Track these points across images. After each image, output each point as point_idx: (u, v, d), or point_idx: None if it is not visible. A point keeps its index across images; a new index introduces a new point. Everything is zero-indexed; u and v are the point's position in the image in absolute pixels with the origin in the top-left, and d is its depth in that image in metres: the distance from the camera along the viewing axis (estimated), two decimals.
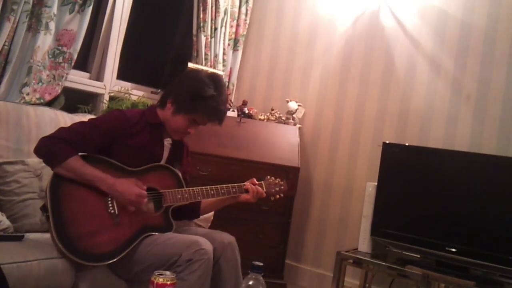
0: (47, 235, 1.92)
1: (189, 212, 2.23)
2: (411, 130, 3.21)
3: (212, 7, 3.54)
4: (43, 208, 1.91)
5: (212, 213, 2.53)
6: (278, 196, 2.28)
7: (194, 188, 2.09)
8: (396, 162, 2.85)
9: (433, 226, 2.66)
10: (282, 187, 2.28)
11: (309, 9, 3.76)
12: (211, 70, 3.43)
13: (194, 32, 3.57)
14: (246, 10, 3.87)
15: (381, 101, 3.36)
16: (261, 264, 1.48)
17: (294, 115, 3.54)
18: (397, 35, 3.33)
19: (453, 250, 2.53)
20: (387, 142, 2.92)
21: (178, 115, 2.09)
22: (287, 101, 3.57)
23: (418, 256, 2.78)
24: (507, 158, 2.62)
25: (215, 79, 2.14)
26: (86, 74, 3.16)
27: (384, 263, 2.65)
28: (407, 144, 2.94)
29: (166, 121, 2.13)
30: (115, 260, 1.82)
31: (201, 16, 3.51)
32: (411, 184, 2.80)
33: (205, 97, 2.05)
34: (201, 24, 3.51)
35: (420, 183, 2.76)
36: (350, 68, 3.53)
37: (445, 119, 3.10)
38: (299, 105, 3.57)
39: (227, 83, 3.81)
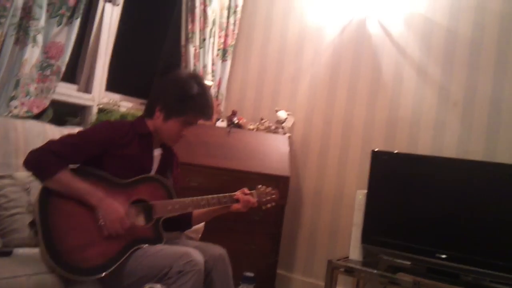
0: (36, 250, 1.89)
1: (180, 223, 2.22)
2: (400, 137, 3.24)
3: (200, 18, 3.56)
4: (31, 224, 1.89)
5: (202, 224, 2.52)
6: (269, 205, 2.29)
7: (185, 199, 2.09)
8: (385, 169, 2.87)
9: (423, 232, 2.67)
10: (274, 196, 2.28)
11: (296, 18, 3.79)
12: None
13: (183, 43, 3.58)
14: (235, 20, 3.89)
15: (370, 109, 3.38)
16: (252, 274, 1.48)
17: (283, 124, 3.55)
18: (384, 43, 3.37)
19: (444, 256, 2.54)
20: (376, 149, 2.94)
21: (170, 121, 2.09)
22: (276, 111, 3.58)
23: (409, 263, 2.79)
24: (494, 163, 2.65)
25: (195, 76, 2.20)
26: (75, 86, 3.15)
27: (375, 271, 2.65)
28: (396, 151, 2.97)
29: (158, 130, 2.12)
30: (105, 273, 1.80)
31: (190, 27, 3.52)
32: (401, 191, 2.81)
33: (193, 96, 2.08)
34: (190, 35, 3.52)
35: (410, 190, 2.78)
36: (338, 76, 3.55)
37: (432, 126, 3.13)
38: (288, 114, 3.58)
39: (216, 94, 3.81)
